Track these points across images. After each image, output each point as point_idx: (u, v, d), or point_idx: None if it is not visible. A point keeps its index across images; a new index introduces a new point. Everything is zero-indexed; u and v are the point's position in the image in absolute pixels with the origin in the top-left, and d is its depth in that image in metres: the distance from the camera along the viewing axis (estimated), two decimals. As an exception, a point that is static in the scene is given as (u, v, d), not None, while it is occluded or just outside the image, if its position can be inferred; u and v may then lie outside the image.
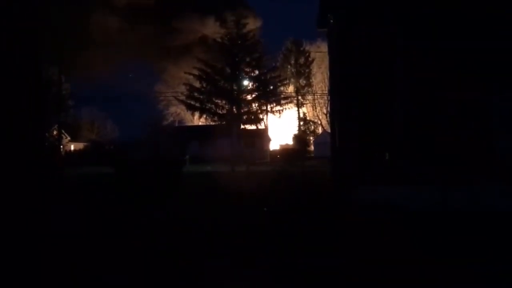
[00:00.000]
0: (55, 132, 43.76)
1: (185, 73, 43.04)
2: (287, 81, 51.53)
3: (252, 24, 42.81)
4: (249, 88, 41.91)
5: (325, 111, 54.94)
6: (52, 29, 28.79)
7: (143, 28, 53.28)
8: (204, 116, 42.98)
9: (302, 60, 58.39)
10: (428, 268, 5.14)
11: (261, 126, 44.69)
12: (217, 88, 41.61)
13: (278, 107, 44.44)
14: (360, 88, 10.69)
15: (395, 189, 9.80)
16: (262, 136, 47.02)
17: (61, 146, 44.71)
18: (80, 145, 52.84)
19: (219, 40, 42.11)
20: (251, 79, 41.85)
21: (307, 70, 58.51)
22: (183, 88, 43.86)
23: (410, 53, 10.54)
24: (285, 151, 47.64)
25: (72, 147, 53.56)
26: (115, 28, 49.33)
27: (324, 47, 40.77)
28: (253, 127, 43.69)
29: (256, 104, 42.50)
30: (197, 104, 41.99)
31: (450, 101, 10.32)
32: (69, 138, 53.81)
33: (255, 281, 4.90)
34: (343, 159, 10.87)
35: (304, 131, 56.41)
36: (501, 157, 10.04)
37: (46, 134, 31.13)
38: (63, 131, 47.67)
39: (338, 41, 11.42)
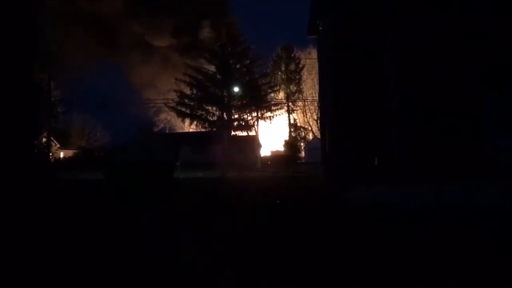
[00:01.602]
0: (44, 140, 43.44)
1: (176, 79, 43.12)
2: (278, 87, 51.76)
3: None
4: (239, 94, 42.06)
5: (315, 117, 55.13)
6: (43, 36, 28.72)
7: (133, 34, 53.25)
8: (195, 122, 43.04)
9: (292, 67, 58.65)
10: (417, 266, 5.23)
11: (252, 132, 44.81)
12: (207, 95, 41.72)
13: (269, 114, 44.66)
14: (353, 90, 10.81)
15: (388, 189, 9.92)
16: (253, 142, 47.08)
17: (50, 154, 44.36)
18: (70, 152, 52.41)
19: (210, 46, 42.28)
20: (241, 85, 42.00)
21: (297, 77, 58.77)
22: (173, 95, 43.90)
23: (402, 55, 10.70)
24: (276, 157, 47.75)
25: (62, 154, 53.09)
26: (105, 35, 49.22)
27: (314, 53, 41.15)
28: (244, 133, 43.80)
29: (247, 111, 42.67)
30: (188, 111, 42.02)
31: (443, 102, 10.47)
32: (58, 145, 53.36)
33: (252, 281, 4.96)
34: (336, 162, 10.98)
35: (295, 137, 56.56)
36: (494, 157, 10.20)
37: (35, 141, 30.93)
38: (52, 138, 47.31)
39: (331, 47, 11.55)
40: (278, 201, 10.76)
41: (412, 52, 10.63)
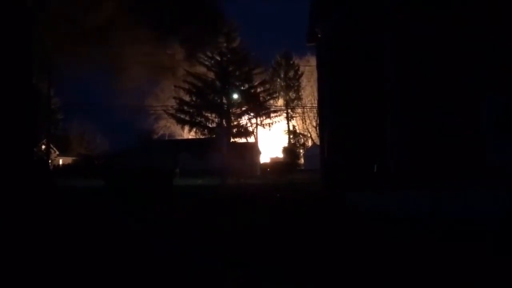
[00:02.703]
0: (43, 147, 43.48)
1: (175, 86, 43.30)
2: (277, 94, 51.98)
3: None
4: (239, 101, 42.20)
5: (314, 124, 55.32)
6: (43, 42, 28.86)
7: (132, 42, 53.37)
8: (194, 129, 43.14)
9: (291, 74, 58.93)
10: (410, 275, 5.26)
11: (251, 139, 44.89)
12: (207, 102, 41.85)
13: (268, 120, 44.80)
14: (351, 94, 10.88)
15: (385, 196, 9.93)
16: (252, 149, 47.12)
17: (50, 161, 44.37)
18: (69, 160, 52.43)
19: (209, 53, 42.46)
20: (241, 92, 42.15)
21: (296, 84, 59.05)
22: (173, 102, 44.04)
23: (398, 65, 10.77)
24: (275, 164, 47.75)
25: (61, 162, 53.09)
26: (105, 44, 49.37)
27: (313, 61, 41.32)
28: (243, 140, 43.88)
29: (246, 118, 42.79)
30: (187, 118, 42.13)
31: (440, 108, 10.52)
32: (57, 152, 53.38)
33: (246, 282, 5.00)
34: (334, 167, 11.02)
35: (294, 144, 56.66)
36: (492, 163, 10.21)
37: (35, 148, 30.95)
38: (51, 145, 47.33)
39: (329, 51, 11.64)
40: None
41: (412, 52, 10.65)
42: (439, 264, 5.69)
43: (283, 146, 54.22)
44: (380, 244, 6.86)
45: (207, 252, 6.47)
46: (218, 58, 41.77)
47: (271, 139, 53.97)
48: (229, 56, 42.08)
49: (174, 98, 43.22)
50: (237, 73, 42.57)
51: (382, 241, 7.03)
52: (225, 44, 41.84)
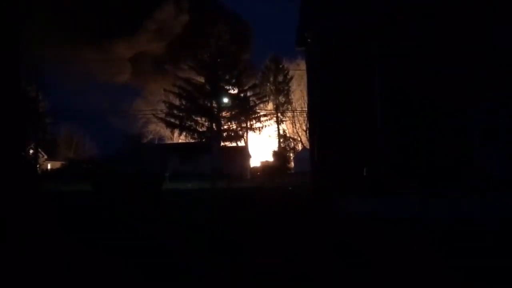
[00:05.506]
0: (31, 151, 42.99)
1: (165, 90, 43.21)
2: (267, 98, 52.00)
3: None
4: (229, 105, 42.17)
5: (304, 127, 55.43)
6: (31, 46, 28.63)
7: (122, 45, 53.22)
8: (184, 133, 43.02)
9: (281, 78, 58.97)
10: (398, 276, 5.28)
11: (241, 143, 44.85)
12: (197, 106, 41.76)
13: (258, 124, 44.80)
14: (340, 101, 10.92)
15: (375, 199, 9.97)
16: (242, 153, 47.07)
17: (38, 165, 43.88)
18: (58, 164, 51.86)
19: (199, 57, 42.45)
20: (231, 96, 42.13)
21: (286, 88, 59.07)
22: (162, 106, 43.90)
23: (387, 69, 10.85)
24: (265, 168, 47.72)
25: (49, 166, 52.53)
26: (94, 45, 49.15)
27: (303, 64, 41.39)
28: (233, 144, 43.83)
29: (236, 121, 42.76)
30: (177, 122, 42.00)
31: (428, 114, 10.60)
32: (46, 156, 52.82)
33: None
34: (324, 171, 11.03)
35: (284, 148, 56.66)
36: (479, 168, 10.32)
37: (23, 153, 30.57)
38: (39, 150, 46.84)
39: (319, 58, 11.68)
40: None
41: (396, 66, 10.75)
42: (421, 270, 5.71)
43: (273, 150, 54.22)
44: (366, 251, 6.87)
45: (203, 257, 6.43)
46: (208, 62, 41.75)
47: (261, 143, 53.99)
48: (219, 59, 42.08)
49: (164, 102, 43.10)
50: (227, 77, 42.57)
51: (374, 244, 7.05)
52: (215, 48, 41.85)
